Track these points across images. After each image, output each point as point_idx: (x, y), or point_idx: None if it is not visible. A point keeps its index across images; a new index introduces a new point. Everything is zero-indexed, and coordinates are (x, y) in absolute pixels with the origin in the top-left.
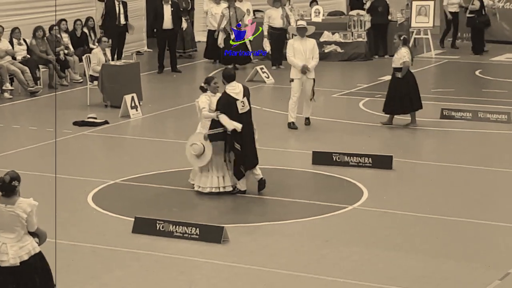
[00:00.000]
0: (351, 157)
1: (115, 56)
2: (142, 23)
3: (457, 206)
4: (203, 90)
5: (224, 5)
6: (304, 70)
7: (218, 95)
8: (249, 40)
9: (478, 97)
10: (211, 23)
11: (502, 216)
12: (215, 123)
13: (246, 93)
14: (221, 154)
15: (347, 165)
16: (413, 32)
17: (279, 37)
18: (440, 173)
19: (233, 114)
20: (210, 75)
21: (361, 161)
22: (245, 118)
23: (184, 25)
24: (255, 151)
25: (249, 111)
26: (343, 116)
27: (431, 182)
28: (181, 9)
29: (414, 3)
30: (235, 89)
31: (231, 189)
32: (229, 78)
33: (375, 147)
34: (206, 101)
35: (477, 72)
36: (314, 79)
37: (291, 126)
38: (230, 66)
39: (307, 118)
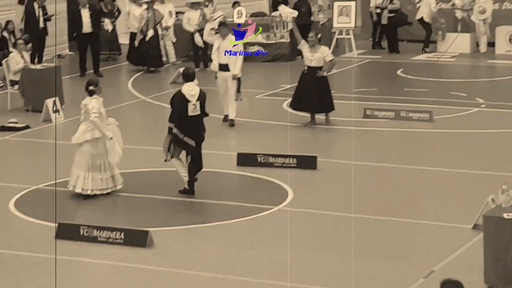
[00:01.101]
0: (276, 158)
1: (36, 60)
2: (63, 26)
3: (381, 205)
4: (91, 93)
5: (145, 6)
6: (234, 78)
7: (99, 96)
8: (172, 42)
9: (400, 96)
10: (133, 25)
11: (426, 214)
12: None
13: (201, 97)
14: (97, 154)
15: (271, 166)
16: (335, 32)
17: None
18: (365, 173)
19: (183, 115)
20: (92, 78)
21: (285, 162)
22: (195, 122)
23: (109, 27)
24: (201, 155)
25: (200, 116)
26: (267, 116)
27: (356, 182)
28: (106, 12)
29: (336, 4)
30: (191, 90)
31: (97, 193)
32: (187, 77)
33: (299, 147)
34: (97, 105)
35: (398, 72)
36: (239, 78)
37: (224, 119)
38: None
39: (231, 120)
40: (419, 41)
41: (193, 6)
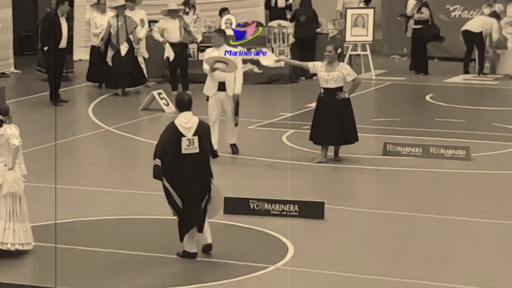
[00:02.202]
0: (273, 205)
1: None
2: (8, 37)
3: (405, 265)
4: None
5: (111, 14)
6: (235, 100)
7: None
8: (144, 58)
9: (430, 128)
10: (96, 37)
11: (462, 277)
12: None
13: (200, 131)
14: (17, 199)
15: (268, 214)
16: (348, 47)
17: (179, 54)
18: (383, 224)
19: (175, 154)
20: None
21: (285, 209)
22: (190, 163)
23: None
24: (200, 209)
25: (200, 155)
26: (263, 152)
27: (372, 235)
28: None
29: (349, 12)
30: (186, 122)
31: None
32: (181, 105)
33: (303, 191)
34: (17, 132)
35: (427, 97)
36: (236, 95)
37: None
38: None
39: (233, 145)
40: (454, 59)
41: (170, 14)
